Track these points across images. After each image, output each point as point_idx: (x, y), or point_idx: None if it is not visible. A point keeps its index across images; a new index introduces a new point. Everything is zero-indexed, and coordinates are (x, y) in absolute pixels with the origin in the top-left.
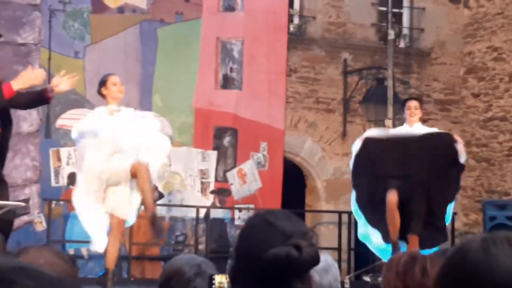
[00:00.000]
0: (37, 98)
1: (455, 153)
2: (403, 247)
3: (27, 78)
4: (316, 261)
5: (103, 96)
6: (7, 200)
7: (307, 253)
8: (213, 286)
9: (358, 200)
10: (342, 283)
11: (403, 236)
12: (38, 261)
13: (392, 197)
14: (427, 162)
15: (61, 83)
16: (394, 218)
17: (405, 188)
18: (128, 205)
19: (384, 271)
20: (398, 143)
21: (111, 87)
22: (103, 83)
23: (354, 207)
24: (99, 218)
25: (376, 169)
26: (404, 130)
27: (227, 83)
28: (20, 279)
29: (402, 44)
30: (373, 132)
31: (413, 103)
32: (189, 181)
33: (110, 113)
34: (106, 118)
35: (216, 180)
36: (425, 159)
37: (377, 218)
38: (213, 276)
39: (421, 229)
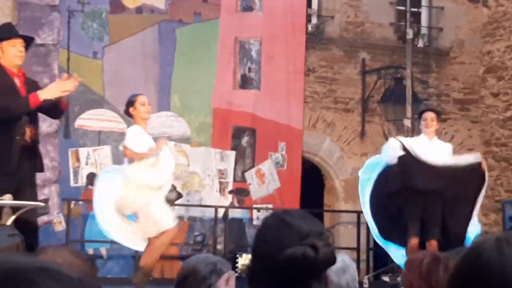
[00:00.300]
0: (52, 107)
1: (482, 182)
2: None
3: (55, 89)
4: (333, 261)
5: (130, 116)
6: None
7: (323, 253)
8: (237, 267)
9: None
10: (361, 283)
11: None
12: (56, 260)
13: (414, 242)
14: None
15: (63, 85)
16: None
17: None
18: (170, 213)
19: (404, 271)
20: (428, 165)
21: (139, 107)
22: (131, 103)
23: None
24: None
25: (403, 180)
26: (424, 143)
27: (245, 83)
28: (40, 280)
29: (420, 44)
30: (405, 142)
31: (430, 115)
32: (208, 181)
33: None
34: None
35: (234, 180)
36: (454, 185)
37: (390, 229)
38: (237, 255)
39: (440, 234)
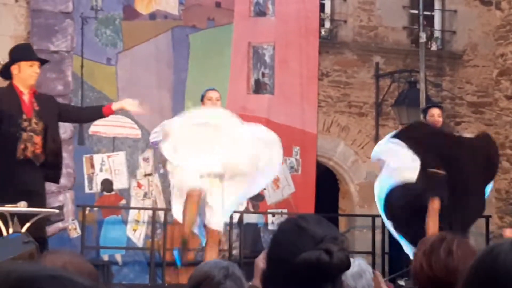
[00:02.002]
0: (96, 113)
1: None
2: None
3: (123, 105)
4: (347, 265)
5: None
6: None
7: (337, 257)
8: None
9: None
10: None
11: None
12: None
13: (436, 204)
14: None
15: (132, 106)
16: (435, 224)
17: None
18: (220, 215)
19: (416, 248)
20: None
21: (206, 101)
22: (201, 97)
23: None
24: None
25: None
26: None
27: (259, 88)
28: None
29: (434, 47)
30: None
31: (436, 111)
32: None
33: None
34: None
35: None
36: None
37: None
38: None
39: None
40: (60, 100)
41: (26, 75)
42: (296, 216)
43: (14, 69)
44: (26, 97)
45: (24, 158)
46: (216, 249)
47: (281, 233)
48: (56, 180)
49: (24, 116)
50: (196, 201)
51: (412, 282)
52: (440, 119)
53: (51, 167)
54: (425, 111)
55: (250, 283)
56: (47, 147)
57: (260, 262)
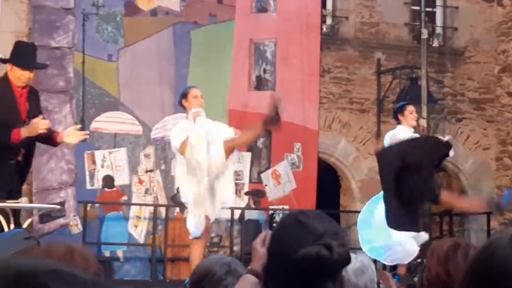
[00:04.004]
0: (46, 138)
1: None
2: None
3: (34, 128)
4: (347, 261)
5: (184, 107)
6: None
7: (338, 253)
8: (273, 223)
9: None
10: (378, 283)
11: None
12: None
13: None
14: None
15: (72, 136)
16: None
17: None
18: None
19: (427, 256)
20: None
21: (192, 99)
22: (184, 95)
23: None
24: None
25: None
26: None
27: (260, 84)
28: (54, 283)
29: (435, 43)
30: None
31: (413, 107)
32: None
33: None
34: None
35: (250, 181)
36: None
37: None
38: (274, 215)
39: None
40: (61, 96)
41: (15, 76)
42: (297, 211)
43: (8, 65)
44: (20, 94)
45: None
46: (202, 247)
47: (282, 228)
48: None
49: (21, 119)
50: (203, 245)
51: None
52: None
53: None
54: (401, 109)
55: (249, 267)
56: (29, 153)
57: (258, 245)
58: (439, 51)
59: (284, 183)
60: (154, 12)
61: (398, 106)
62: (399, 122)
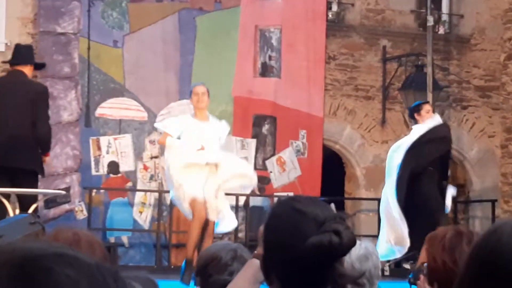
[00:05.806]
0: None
1: None
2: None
3: None
4: (354, 242)
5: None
6: None
7: (346, 236)
8: None
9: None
10: (382, 270)
11: None
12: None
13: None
14: None
15: None
16: None
17: None
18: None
19: (427, 246)
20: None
21: (193, 97)
22: (190, 93)
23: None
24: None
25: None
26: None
27: (265, 71)
28: (58, 267)
29: (441, 31)
30: None
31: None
32: None
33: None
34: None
35: (255, 168)
36: None
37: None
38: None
39: None
40: (66, 82)
41: None
42: (288, 198)
43: None
44: None
45: None
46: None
47: (277, 217)
48: None
49: None
50: (200, 226)
51: (426, 281)
52: None
53: None
54: (418, 108)
55: (255, 251)
56: None
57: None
58: (445, 38)
59: (289, 170)
60: None
61: (414, 105)
62: (415, 122)
